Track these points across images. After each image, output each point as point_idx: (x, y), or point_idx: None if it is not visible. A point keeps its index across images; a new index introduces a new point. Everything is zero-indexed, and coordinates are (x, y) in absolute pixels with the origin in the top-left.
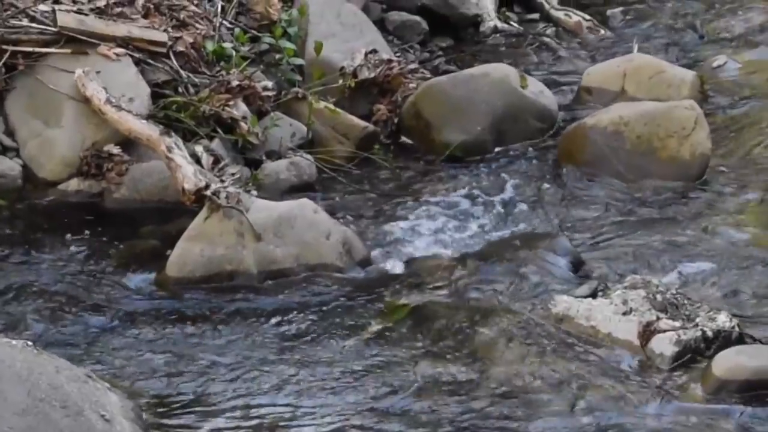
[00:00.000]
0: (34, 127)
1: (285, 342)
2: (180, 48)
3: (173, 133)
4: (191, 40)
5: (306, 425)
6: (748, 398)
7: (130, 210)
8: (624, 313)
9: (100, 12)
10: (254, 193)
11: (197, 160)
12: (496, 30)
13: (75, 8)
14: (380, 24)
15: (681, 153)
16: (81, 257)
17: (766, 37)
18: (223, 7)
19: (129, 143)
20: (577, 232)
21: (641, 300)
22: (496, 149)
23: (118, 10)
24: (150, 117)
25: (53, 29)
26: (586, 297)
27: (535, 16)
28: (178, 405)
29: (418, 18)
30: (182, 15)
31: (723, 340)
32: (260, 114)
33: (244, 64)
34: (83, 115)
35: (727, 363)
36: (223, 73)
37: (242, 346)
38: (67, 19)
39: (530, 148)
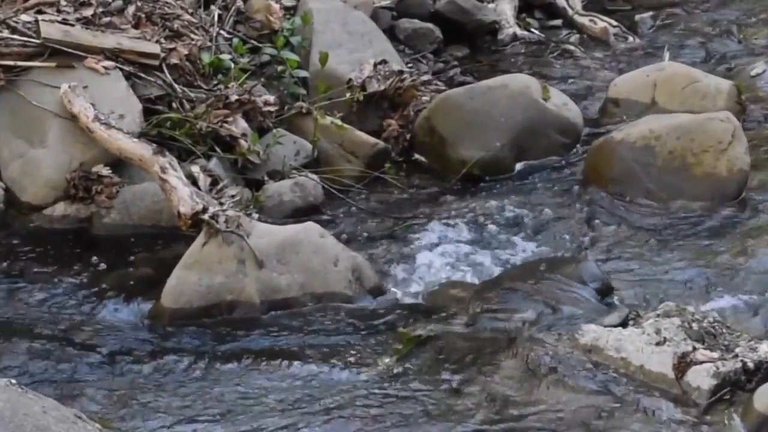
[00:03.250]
0: (16, 147)
1: (290, 379)
2: (174, 60)
3: (167, 153)
4: (186, 52)
5: None
6: None
7: (121, 236)
8: (657, 344)
9: (87, 22)
10: (255, 216)
11: (194, 182)
12: (515, 38)
13: (60, 18)
14: (390, 32)
15: (717, 169)
16: (69, 288)
17: None
18: (220, 16)
19: (119, 164)
20: (606, 256)
21: (676, 329)
22: (517, 167)
23: (107, 19)
24: (142, 135)
25: (36, 41)
26: (615, 326)
27: (558, 22)
28: None
29: (431, 25)
30: (176, 25)
31: (765, 372)
32: (261, 131)
33: (244, 77)
34: (70, 134)
35: None
36: (221, 86)
37: (243, 384)
38: (51, 30)
39: (553, 165)
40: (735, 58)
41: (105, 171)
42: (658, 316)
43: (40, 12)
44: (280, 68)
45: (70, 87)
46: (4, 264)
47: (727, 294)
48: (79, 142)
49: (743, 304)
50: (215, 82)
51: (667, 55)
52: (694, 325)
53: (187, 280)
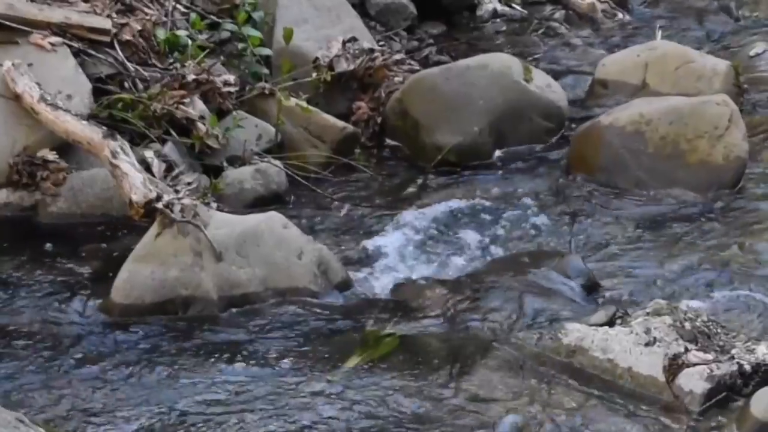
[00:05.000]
0: None
1: (249, 380)
2: (126, 36)
3: (119, 136)
4: (139, 28)
5: None
6: None
7: (68, 226)
8: (647, 344)
9: None
10: (214, 205)
11: (147, 168)
12: (495, 14)
13: None
14: (360, 8)
15: (713, 156)
16: (11, 281)
17: None
18: None
19: (67, 148)
20: (592, 250)
21: (667, 329)
22: (497, 153)
23: None
24: (91, 117)
25: None
26: (602, 325)
27: None
28: None
29: (404, 0)
30: None
31: (763, 375)
32: (221, 113)
33: (202, 55)
34: (12, 116)
35: None
36: (177, 65)
37: (199, 385)
38: None
39: (536, 152)
40: (732, 36)
41: (51, 156)
42: (648, 314)
43: None
44: (241, 46)
45: (13, 65)
46: None
47: (722, 291)
48: (22, 125)
49: (740, 302)
50: (171, 60)
51: (659, 33)
52: (687, 325)
53: (139, 274)
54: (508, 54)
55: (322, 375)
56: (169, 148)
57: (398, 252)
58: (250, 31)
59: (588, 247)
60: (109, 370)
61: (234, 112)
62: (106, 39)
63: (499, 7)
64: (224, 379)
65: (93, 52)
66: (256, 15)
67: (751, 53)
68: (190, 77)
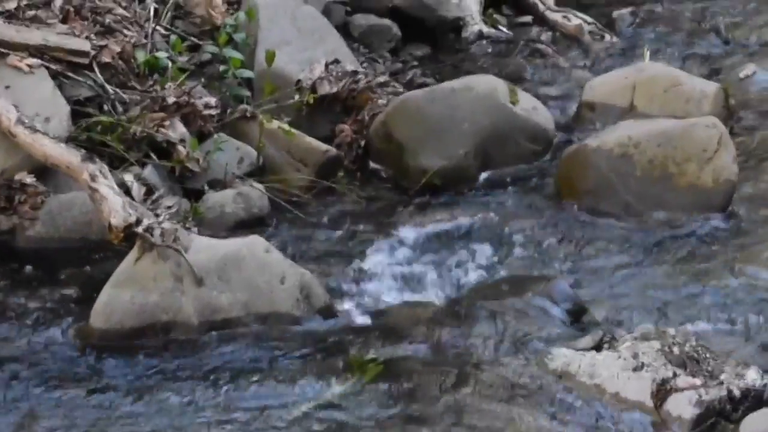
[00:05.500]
0: None
1: (230, 407)
2: (105, 58)
3: (98, 159)
4: (119, 50)
5: None
6: None
7: (46, 250)
8: (634, 369)
9: (9, 16)
10: (194, 229)
11: (126, 191)
12: (481, 35)
13: None
14: (344, 29)
15: (702, 180)
16: None
17: None
18: (156, 10)
19: (45, 171)
20: (579, 274)
21: (655, 353)
22: (482, 176)
23: (32, 13)
24: (70, 140)
25: None
26: (589, 350)
27: (528, 18)
28: None
29: (388, 22)
30: (108, 19)
31: (753, 400)
32: (201, 136)
33: (182, 77)
34: None
35: (758, 427)
36: (157, 88)
37: (179, 412)
38: None
39: (522, 176)
40: (722, 58)
41: (29, 179)
42: (636, 338)
43: None
44: (222, 68)
45: None
46: None
47: (711, 315)
48: (0, 148)
49: (729, 327)
50: (151, 82)
51: (647, 54)
52: (675, 349)
53: (119, 299)
54: (493, 76)
55: (305, 401)
56: (149, 172)
57: (382, 276)
58: (231, 52)
59: (575, 271)
60: (89, 396)
61: (215, 135)
62: (85, 61)
63: (485, 29)
64: (205, 405)
65: (71, 75)
66: (238, 37)
67: (741, 75)
68: (171, 100)
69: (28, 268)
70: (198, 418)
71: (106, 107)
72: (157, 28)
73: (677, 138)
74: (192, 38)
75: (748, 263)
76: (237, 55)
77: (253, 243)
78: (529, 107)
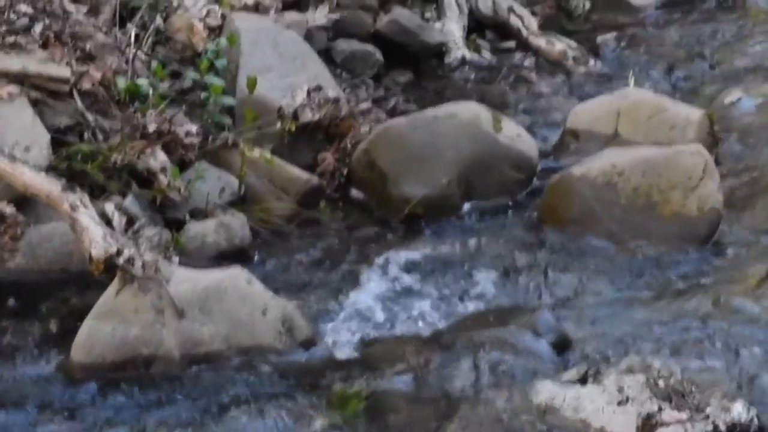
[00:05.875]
0: None
1: None
2: (86, 85)
3: (78, 189)
4: (99, 76)
5: None
6: None
7: (26, 282)
8: (619, 403)
9: None
10: (176, 260)
11: (107, 221)
12: (464, 61)
13: None
14: (326, 55)
15: (687, 208)
16: None
17: None
18: (137, 36)
19: (25, 201)
20: (563, 305)
21: (640, 387)
22: (465, 206)
23: (11, 39)
24: (50, 169)
25: None
26: (573, 383)
27: (511, 44)
28: None
29: (370, 47)
30: (88, 45)
31: None
32: (183, 165)
33: (163, 104)
34: None
35: None
36: (138, 115)
37: None
38: None
39: (505, 204)
40: (707, 84)
41: (8, 209)
42: (621, 372)
43: None
44: (203, 94)
45: None
46: None
47: (697, 348)
48: None
49: (714, 360)
50: (132, 109)
51: (631, 80)
52: (661, 383)
53: (100, 332)
54: (477, 103)
55: None
56: (129, 201)
57: (365, 308)
58: (212, 79)
59: (559, 302)
60: (70, 431)
61: (196, 164)
62: (65, 88)
63: (468, 55)
64: None
65: (52, 102)
66: (219, 63)
67: (726, 101)
68: (152, 127)
69: (8, 300)
70: None
71: (86, 135)
72: (138, 54)
73: (662, 166)
74: (173, 64)
75: (734, 294)
76: (218, 81)
77: (235, 274)
78: (513, 134)
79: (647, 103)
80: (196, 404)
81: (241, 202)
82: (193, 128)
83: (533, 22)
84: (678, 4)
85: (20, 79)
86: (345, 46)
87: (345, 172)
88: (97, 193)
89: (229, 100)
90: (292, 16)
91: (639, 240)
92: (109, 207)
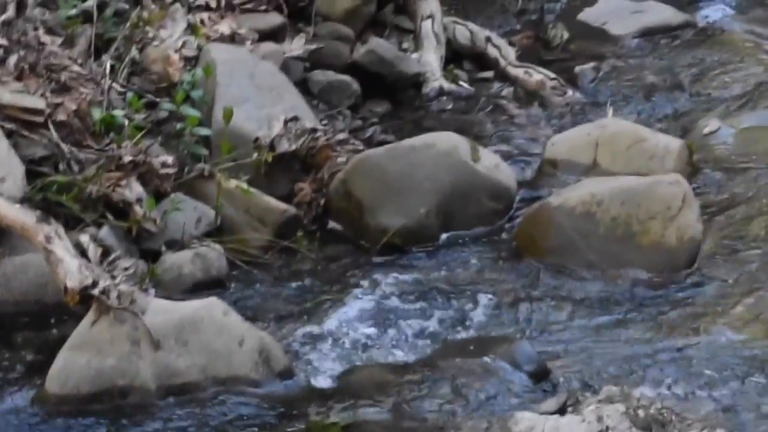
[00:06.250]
0: None
1: None
2: (61, 117)
3: (53, 220)
4: (74, 107)
5: None
6: None
7: (1, 314)
8: None
9: None
10: (152, 291)
11: (82, 252)
12: (442, 91)
13: None
14: (302, 85)
15: (666, 238)
16: None
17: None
18: (113, 67)
19: None
20: (542, 335)
21: (620, 416)
22: (443, 236)
23: None
24: (25, 200)
25: None
26: (552, 413)
27: (489, 74)
28: None
29: (347, 78)
30: (63, 77)
31: None
32: (158, 196)
33: (139, 135)
34: None
35: None
36: (114, 146)
37: None
38: None
39: (484, 234)
40: (686, 113)
41: None
42: (600, 401)
43: None
44: (179, 125)
45: None
46: None
47: (676, 377)
48: None
49: (695, 389)
50: (107, 141)
51: (610, 110)
52: (641, 412)
53: (75, 363)
54: (454, 133)
55: None
56: (105, 232)
57: (342, 338)
58: (188, 110)
59: (538, 333)
60: None
61: (172, 195)
62: (40, 119)
63: (446, 85)
64: None
65: (26, 133)
66: (195, 94)
67: (705, 131)
68: (127, 158)
69: None
70: None
71: (61, 166)
72: (114, 85)
73: (641, 196)
74: (149, 95)
75: (713, 324)
76: (194, 112)
77: (211, 305)
78: (491, 165)
79: (626, 133)
80: None
81: (218, 232)
82: (169, 159)
83: (511, 53)
84: (656, 34)
85: None
86: (322, 76)
87: (322, 202)
88: (72, 224)
89: (205, 131)
90: (268, 46)
91: (618, 270)
92: (85, 238)
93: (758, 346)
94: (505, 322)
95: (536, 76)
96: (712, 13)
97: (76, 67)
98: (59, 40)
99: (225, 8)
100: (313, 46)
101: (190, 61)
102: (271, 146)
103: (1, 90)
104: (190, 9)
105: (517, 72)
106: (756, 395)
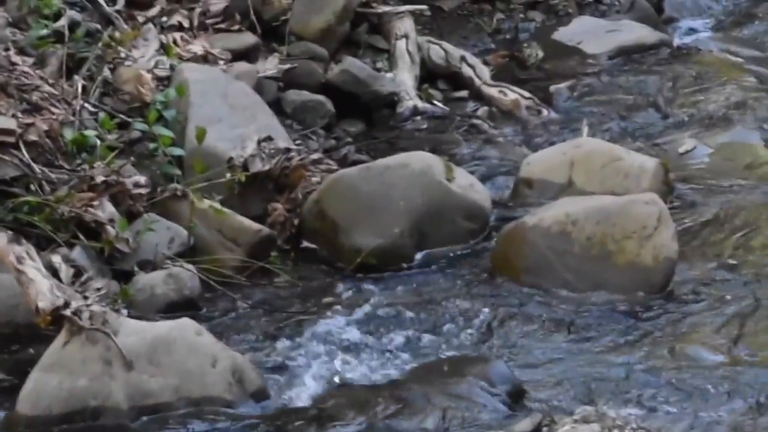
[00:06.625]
0: None
1: None
2: (32, 137)
3: (24, 241)
4: (46, 128)
5: None
6: None
7: None
8: None
9: None
10: (124, 312)
11: (54, 273)
12: (416, 111)
13: None
14: (276, 105)
15: (641, 258)
16: None
17: (743, 115)
18: (84, 87)
19: None
20: (517, 355)
21: None
22: (418, 256)
23: None
24: None
25: None
26: None
27: (464, 93)
28: None
29: (321, 98)
30: (35, 97)
31: None
32: (131, 216)
33: (111, 155)
34: None
35: None
36: (86, 166)
37: None
38: None
39: (458, 254)
40: (661, 132)
41: None
42: (576, 421)
43: None
44: (152, 146)
45: None
46: None
47: (651, 397)
48: None
49: (670, 409)
50: (79, 161)
51: (585, 130)
52: None
53: (47, 384)
54: (429, 153)
55: None
56: (77, 253)
57: (316, 359)
58: (161, 130)
59: (513, 352)
60: None
61: (145, 215)
62: (11, 140)
63: (420, 104)
64: None
65: None
66: (168, 114)
67: (681, 150)
68: (99, 179)
69: None
70: None
71: (33, 187)
72: (86, 105)
73: (616, 215)
74: (121, 115)
75: (689, 343)
76: (167, 132)
77: (184, 326)
78: (466, 184)
79: (601, 152)
80: None
81: (191, 253)
82: (142, 179)
83: (486, 72)
84: (631, 53)
85: None
86: (296, 96)
87: (296, 222)
88: (44, 244)
89: (178, 151)
90: (241, 66)
91: (593, 289)
92: (56, 259)
93: (733, 366)
94: (481, 342)
95: (511, 95)
96: (687, 33)
97: (47, 87)
98: (30, 61)
99: (198, 28)
100: (287, 66)
101: (163, 81)
102: (245, 166)
103: None
104: (163, 29)
105: (492, 91)
106: (731, 415)
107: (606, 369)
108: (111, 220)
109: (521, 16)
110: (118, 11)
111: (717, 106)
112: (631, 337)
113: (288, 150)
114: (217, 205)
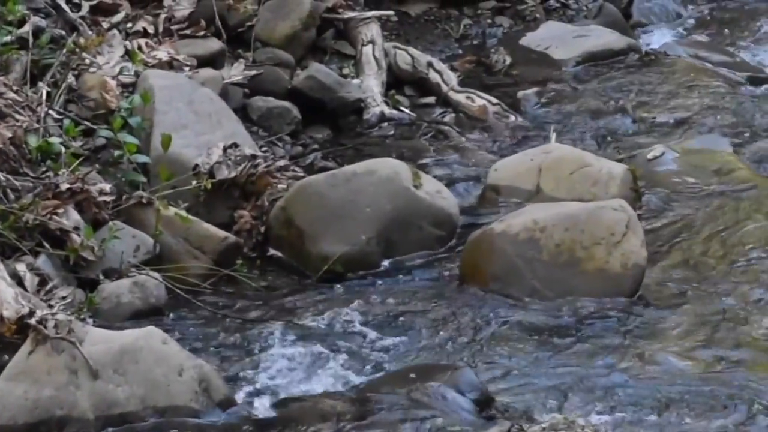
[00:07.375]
0: None
1: None
2: None
3: None
4: (10, 135)
5: None
6: None
7: None
8: None
9: None
10: (90, 320)
11: (19, 282)
12: (383, 117)
13: None
14: (242, 112)
15: (610, 264)
16: None
17: (712, 121)
18: (49, 94)
19: None
20: (485, 363)
21: None
22: (385, 263)
23: None
24: None
25: None
26: None
27: (431, 99)
28: None
29: (287, 104)
30: None
31: None
32: (96, 224)
33: (76, 162)
34: None
35: None
36: (50, 174)
37: None
38: None
39: (426, 261)
40: (629, 138)
41: None
42: (544, 429)
43: None
44: (117, 153)
45: None
46: None
47: (621, 404)
48: None
49: (639, 416)
50: (43, 168)
51: (553, 136)
52: None
53: (11, 394)
54: (396, 159)
55: None
56: (42, 261)
57: (284, 367)
58: (126, 137)
59: (481, 360)
60: None
61: (110, 223)
62: None
63: (387, 111)
64: None
65: None
66: (133, 121)
67: (649, 156)
68: (64, 186)
69: None
70: None
71: None
72: (50, 112)
73: (584, 221)
74: (86, 122)
75: (658, 350)
76: (132, 139)
77: (150, 334)
78: (433, 191)
79: (569, 158)
80: None
81: (157, 261)
82: (107, 187)
83: (453, 78)
84: (599, 58)
85: None
86: (262, 102)
87: (262, 230)
88: (8, 253)
89: (143, 158)
90: (207, 72)
91: (562, 296)
92: (21, 267)
93: (702, 373)
94: (448, 349)
95: (478, 101)
96: (655, 38)
97: (11, 94)
98: None
99: (163, 34)
100: (253, 72)
101: (128, 88)
102: (211, 173)
103: None
104: (128, 35)
105: (459, 97)
106: (700, 421)
107: (575, 376)
108: (76, 228)
109: (488, 21)
110: (82, 17)
111: (685, 111)
112: (600, 344)
113: (254, 157)
114: (183, 213)
